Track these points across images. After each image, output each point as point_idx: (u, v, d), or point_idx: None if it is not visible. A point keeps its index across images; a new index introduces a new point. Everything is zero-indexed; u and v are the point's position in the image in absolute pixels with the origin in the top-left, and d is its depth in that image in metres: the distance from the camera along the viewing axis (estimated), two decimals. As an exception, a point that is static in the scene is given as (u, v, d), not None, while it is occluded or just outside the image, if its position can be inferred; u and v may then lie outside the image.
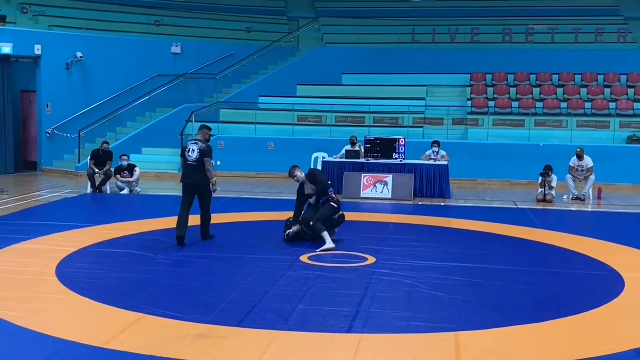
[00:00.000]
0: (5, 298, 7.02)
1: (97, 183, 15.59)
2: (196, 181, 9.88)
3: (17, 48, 19.33)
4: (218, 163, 19.42)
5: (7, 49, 19.11)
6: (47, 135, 20.00)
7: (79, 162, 18.91)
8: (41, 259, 8.67)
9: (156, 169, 18.61)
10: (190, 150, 9.89)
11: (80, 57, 20.39)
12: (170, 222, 11.48)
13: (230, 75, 22.81)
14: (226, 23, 24.25)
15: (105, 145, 16.24)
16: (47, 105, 20.07)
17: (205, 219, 10.11)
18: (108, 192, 15.61)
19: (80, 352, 5.63)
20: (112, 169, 15.77)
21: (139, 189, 15.68)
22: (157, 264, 8.71)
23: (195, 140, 10.10)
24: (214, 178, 10.05)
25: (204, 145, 9.95)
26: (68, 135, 19.76)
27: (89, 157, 16.14)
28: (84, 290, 7.34)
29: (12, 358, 5.52)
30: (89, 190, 15.63)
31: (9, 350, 5.70)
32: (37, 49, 19.65)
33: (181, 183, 10.08)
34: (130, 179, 15.56)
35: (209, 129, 10.45)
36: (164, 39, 22.53)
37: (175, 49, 22.44)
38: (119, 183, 15.54)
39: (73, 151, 19.58)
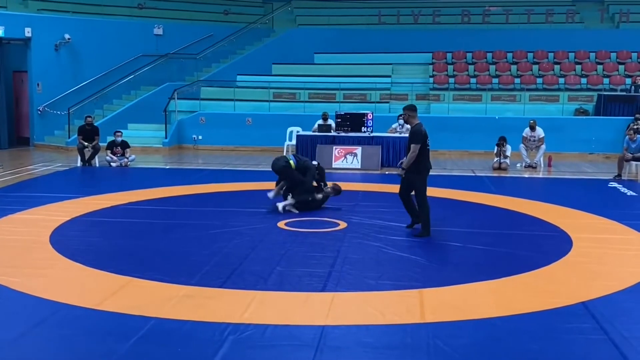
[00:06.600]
0: (3, 264, 6.96)
1: (86, 157, 15.40)
2: None
3: (8, 31, 18.92)
4: (200, 137, 19.31)
5: (-2, 31, 18.73)
6: (39, 112, 19.67)
7: (69, 137, 18.64)
8: (36, 228, 8.58)
9: (142, 144, 18.39)
10: None
11: (69, 39, 20.02)
12: (156, 192, 11.46)
13: (209, 55, 22.56)
14: (205, 6, 23.89)
15: (88, 119, 16.00)
16: (38, 84, 19.72)
17: None
18: (97, 165, 15.42)
19: (74, 313, 5.61)
20: (101, 144, 15.53)
21: (131, 159, 15.39)
22: (144, 232, 8.65)
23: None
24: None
25: None
26: (58, 112, 19.45)
27: (77, 133, 15.92)
28: (77, 256, 7.28)
29: (11, 320, 5.48)
30: (79, 163, 15.42)
31: (8, 313, 5.67)
32: (28, 32, 19.25)
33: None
34: (124, 159, 15.23)
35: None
36: (147, 21, 22.17)
37: (158, 31, 22.11)
38: (107, 158, 15.28)
39: (63, 127, 19.29)
